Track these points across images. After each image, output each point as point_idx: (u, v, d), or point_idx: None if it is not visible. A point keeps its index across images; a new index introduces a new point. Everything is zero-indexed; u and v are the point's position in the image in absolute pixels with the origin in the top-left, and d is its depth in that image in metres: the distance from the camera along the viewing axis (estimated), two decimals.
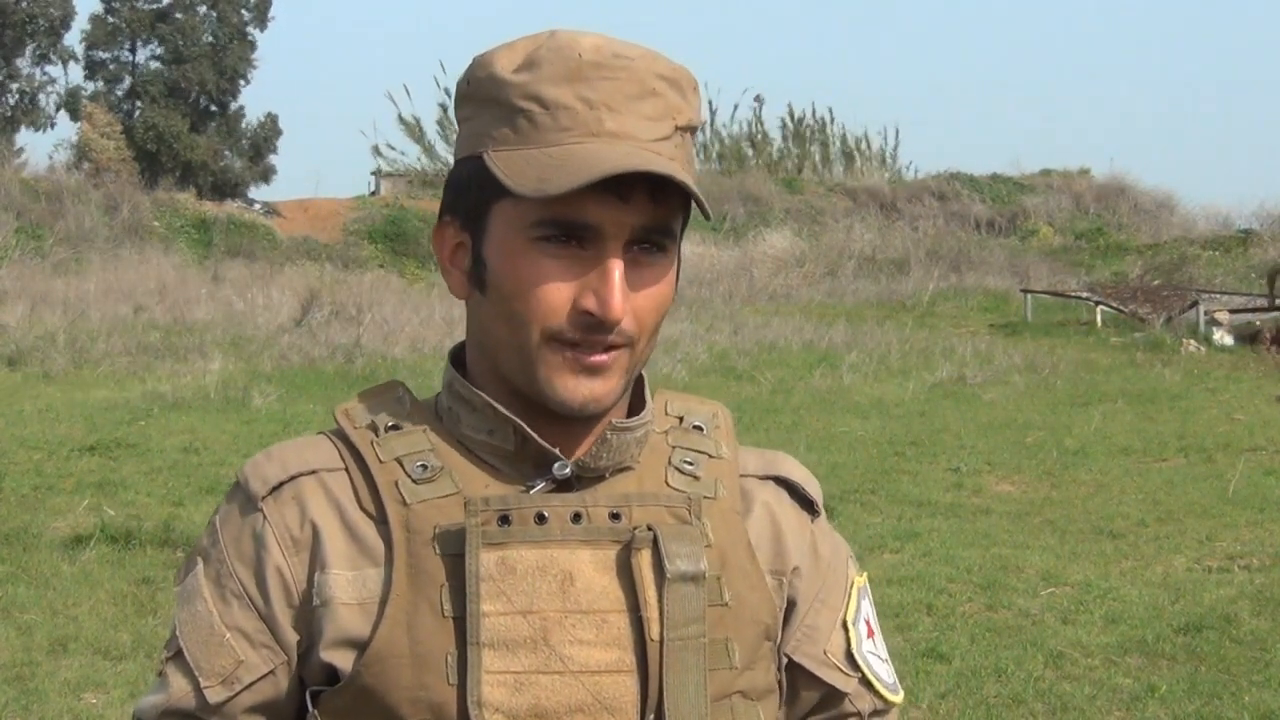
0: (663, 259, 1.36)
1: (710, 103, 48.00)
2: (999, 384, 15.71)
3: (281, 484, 1.38)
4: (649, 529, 1.34)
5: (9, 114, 44.17)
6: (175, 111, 43.94)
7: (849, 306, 23.78)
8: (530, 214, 1.31)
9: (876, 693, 1.53)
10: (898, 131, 47.57)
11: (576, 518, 1.34)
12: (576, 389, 1.34)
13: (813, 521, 1.54)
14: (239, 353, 17.28)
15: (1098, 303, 21.81)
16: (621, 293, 1.31)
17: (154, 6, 45.68)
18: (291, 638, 1.35)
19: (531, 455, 1.37)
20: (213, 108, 46.17)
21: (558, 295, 1.32)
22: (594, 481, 1.38)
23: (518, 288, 1.32)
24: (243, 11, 46.01)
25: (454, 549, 1.32)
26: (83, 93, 45.30)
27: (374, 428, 1.40)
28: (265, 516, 1.37)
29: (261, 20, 46.76)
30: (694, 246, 29.18)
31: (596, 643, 1.32)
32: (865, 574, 1.60)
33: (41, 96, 45.64)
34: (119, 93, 46.17)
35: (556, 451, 1.37)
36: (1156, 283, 24.09)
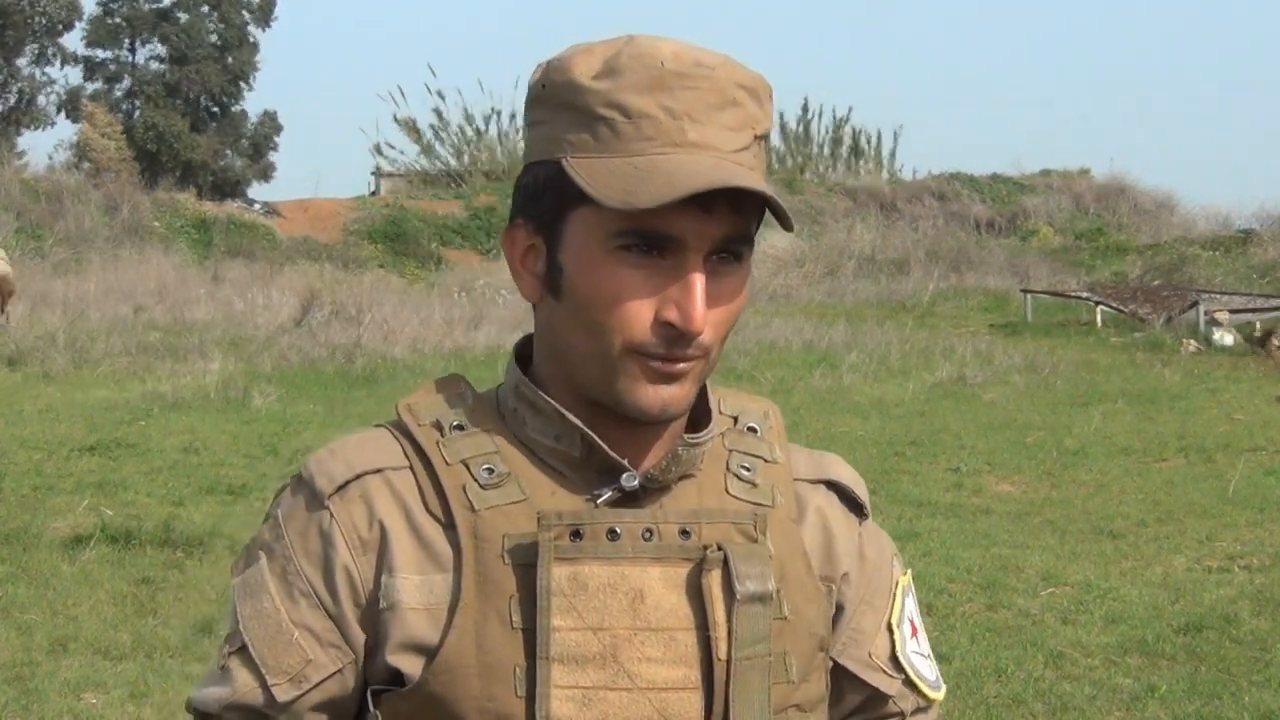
0: (739, 268, 1.36)
1: None
2: (999, 384, 15.71)
3: (348, 482, 1.37)
4: (719, 549, 1.35)
5: (9, 114, 44.16)
6: (175, 111, 43.95)
7: (849, 306, 23.77)
8: (612, 224, 1.31)
9: (920, 692, 1.55)
10: (897, 133, 47.44)
11: (648, 534, 1.35)
12: (656, 396, 1.34)
13: (860, 524, 1.55)
14: (239, 353, 17.28)
15: (1098, 303, 21.80)
16: (703, 305, 1.31)
17: (155, 6, 45.67)
18: (359, 637, 1.35)
19: (597, 463, 1.37)
20: (213, 108, 46.18)
21: (639, 307, 1.32)
22: (659, 492, 1.38)
23: (598, 297, 1.32)
24: (244, 12, 46.00)
25: (524, 560, 1.33)
26: (83, 93, 45.29)
27: (439, 426, 1.39)
28: (333, 515, 1.37)
29: (265, 20, 46.77)
30: None
31: (664, 660, 1.33)
32: (909, 571, 1.62)
33: (41, 96, 45.64)
34: (119, 93, 46.18)
35: (625, 463, 1.37)
36: (1156, 283, 24.08)
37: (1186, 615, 7.12)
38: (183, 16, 45.36)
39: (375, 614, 1.35)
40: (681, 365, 1.34)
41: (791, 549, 1.43)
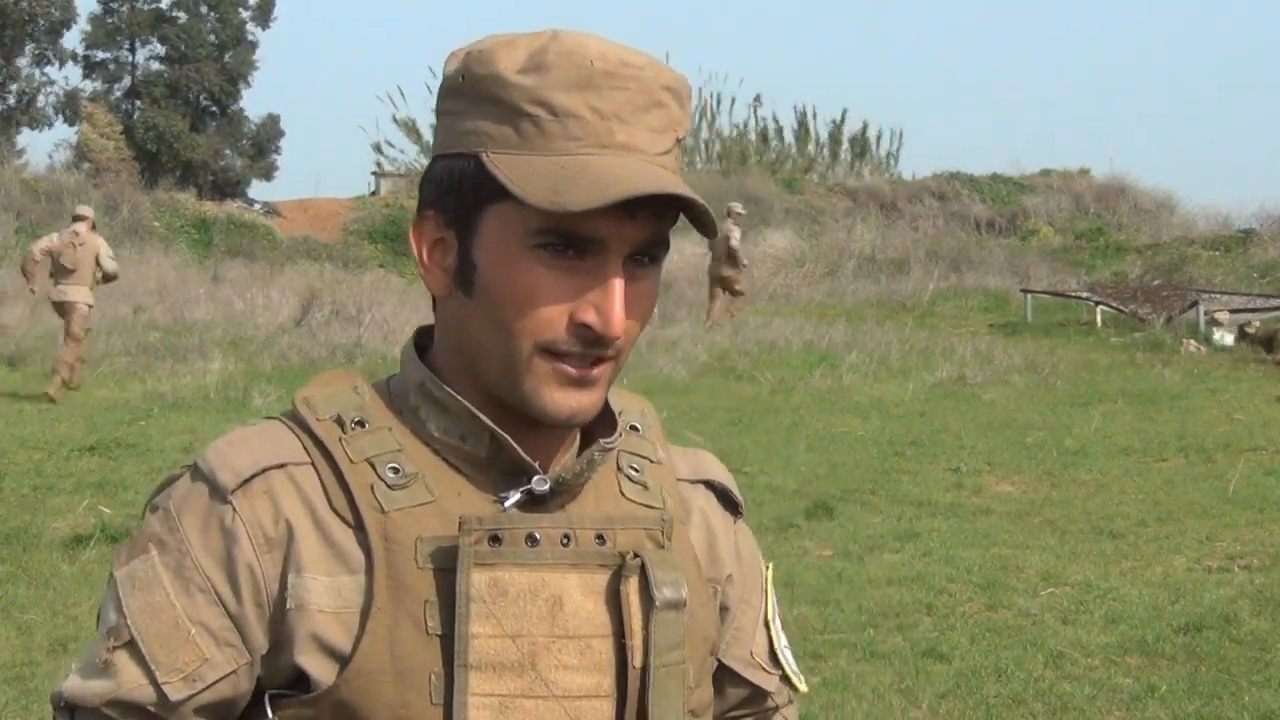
0: (655, 270, 1.35)
1: (716, 98, 48.07)
2: (999, 384, 15.71)
3: (253, 477, 1.32)
4: (636, 556, 1.34)
5: (9, 114, 44.16)
6: (175, 111, 43.95)
7: (849, 306, 23.79)
8: (532, 222, 1.28)
9: (792, 685, 1.58)
10: (901, 132, 47.52)
11: (565, 540, 1.33)
12: (565, 401, 1.31)
13: (736, 523, 1.55)
14: (239, 353, 17.29)
15: (1098, 303, 21.82)
16: (622, 308, 1.29)
17: (154, 6, 45.69)
18: (258, 639, 1.31)
19: (502, 464, 1.35)
20: (213, 108, 46.20)
21: (555, 307, 1.29)
22: (564, 496, 1.36)
23: (512, 295, 1.30)
24: (243, 12, 46.01)
25: (441, 564, 1.30)
26: (82, 93, 45.32)
27: (340, 422, 1.35)
28: (236, 510, 1.31)
29: (264, 20, 46.78)
30: (695, 246, 29.17)
31: (579, 667, 1.32)
32: (770, 564, 1.62)
33: (41, 97, 45.65)
34: (119, 93, 46.20)
35: (536, 465, 1.35)
36: (1156, 283, 24.10)
37: (1186, 615, 7.12)
38: (181, 16, 45.36)
39: (281, 614, 1.30)
40: (595, 370, 1.32)
41: (685, 556, 1.42)
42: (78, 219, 15.24)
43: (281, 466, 1.33)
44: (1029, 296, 23.08)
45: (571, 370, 1.31)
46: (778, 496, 9.98)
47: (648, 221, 1.30)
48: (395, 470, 1.33)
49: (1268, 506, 9.52)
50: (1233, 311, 20.20)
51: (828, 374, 16.14)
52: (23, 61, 44.71)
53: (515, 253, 1.30)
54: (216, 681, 1.30)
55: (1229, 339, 19.21)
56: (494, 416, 1.34)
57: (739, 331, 19.57)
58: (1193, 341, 18.81)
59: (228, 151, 45.53)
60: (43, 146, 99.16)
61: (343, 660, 1.29)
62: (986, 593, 7.58)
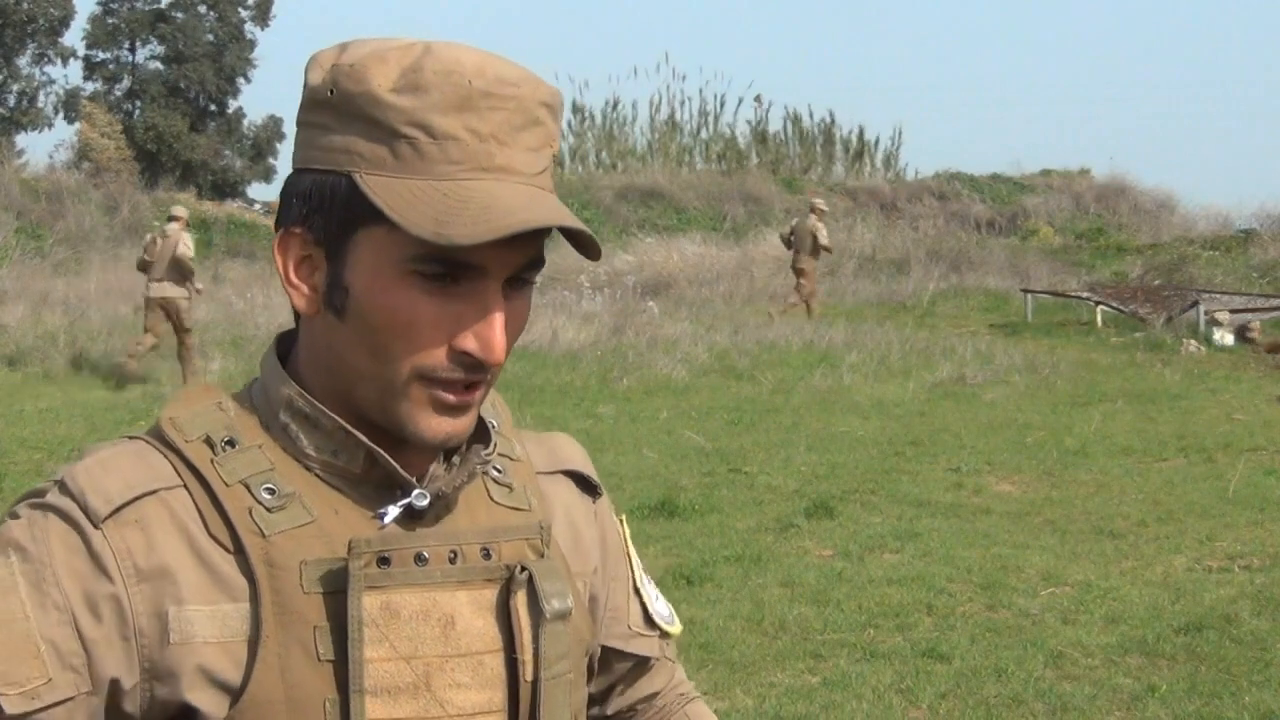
0: (529, 291, 1.33)
1: (719, 98, 48.05)
2: (999, 384, 15.71)
3: (125, 505, 1.26)
4: (523, 569, 1.32)
5: (9, 114, 44.16)
6: (175, 111, 43.95)
7: (849, 306, 23.77)
8: (409, 248, 1.24)
9: (667, 635, 1.59)
10: (901, 132, 47.56)
11: (453, 557, 1.31)
12: (440, 427, 1.29)
13: (595, 504, 1.55)
14: (239, 352, 17.29)
15: (1098, 303, 21.81)
16: (503, 335, 1.28)
17: (153, 6, 45.69)
18: (109, 673, 1.24)
19: (375, 479, 1.32)
20: (212, 107, 46.20)
21: (433, 334, 1.26)
22: (442, 508, 1.34)
23: (390, 322, 1.26)
24: (242, 11, 46.01)
25: (327, 588, 1.27)
26: (82, 93, 45.33)
27: (210, 443, 1.30)
28: (107, 539, 1.24)
29: (263, 19, 46.78)
30: (694, 246, 29.18)
31: (472, 685, 1.30)
32: (624, 515, 1.62)
33: (41, 96, 45.65)
34: (118, 93, 46.21)
35: (414, 480, 1.32)
36: (1157, 283, 24.09)
37: (1187, 615, 7.11)
38: (180, 16, 45.36)
39: (160, 650, 1.25)
40: (469, 395, 1.30)
41: (559, 559, 1.42)
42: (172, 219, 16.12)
43: (154, 493, 1.27)
44: (1029, 296, 23.08)
45: (449, 397, 1.29)
46: (778, 496, 9.98)
47: (526, 246, 1.28)
48: (271, 491, 1.29)
49: (1268, 506, 9.52)
50: (1233, 312, 20.19)
51: (828, 374, 16.14)
52: (23, 61, 44.72)
53: (391, 278, 1.26)
54: (53, 705, 1.22)
55: (1229, 339, 19.21)
56: (365, 432, 1.31)
57: (739, 331, 19.57)
58: (1193, 341, 18.80)
59: (227, 152, 45.54)
60: (42, 146, 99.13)
61: (233, 692, 1.25)
62: (987, 593, 7.58)
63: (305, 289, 1.32)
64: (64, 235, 27.66)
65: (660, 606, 1.60)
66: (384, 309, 1.26)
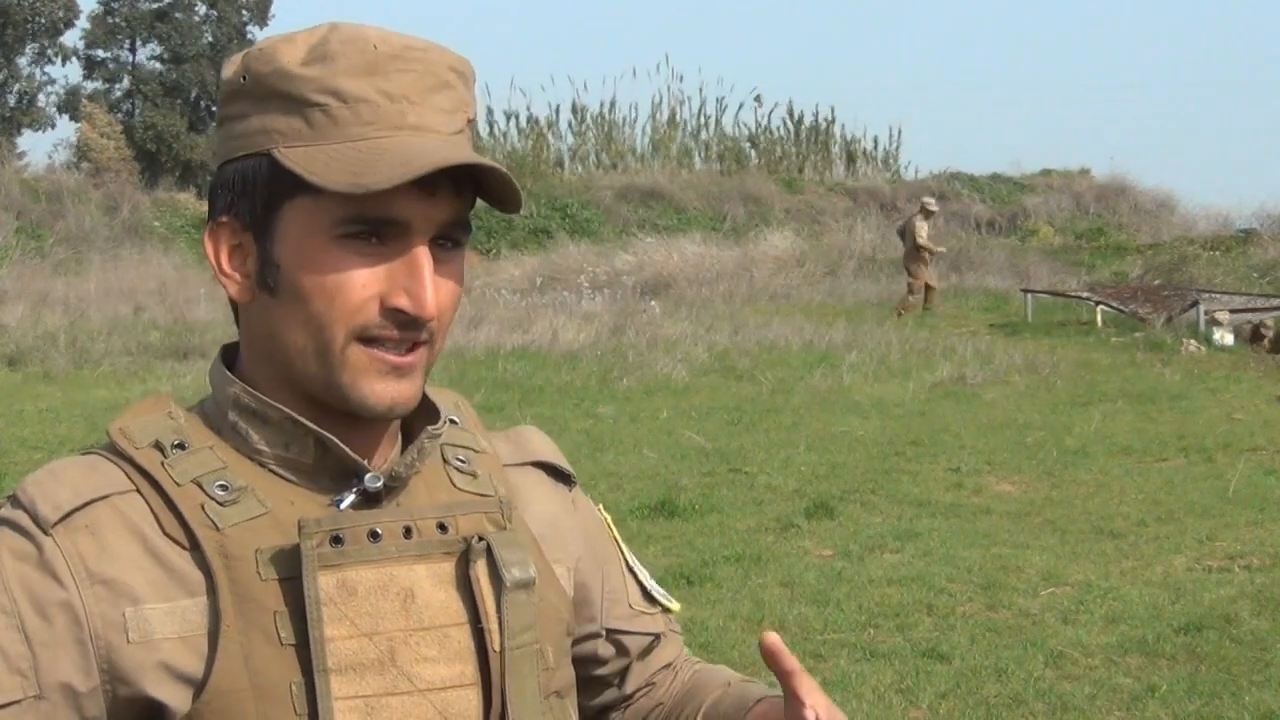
0: (459, 254, 1.34)
1: (720, 100, 48.02)
2: (999, 384, 15.71)
3: (74, 510, 1.26)
4: (481, 539, 1.33)
5: (9, 114, 44.17)
6: (174, 111, 43.96)
7: (849, 306, 23.76)
8: (334, 211, 1.27)
9: (668, 611, 1.63)
10: (900, 132, 47.54)
11: (407, 532, 1.31)
12: (385, 392, 1.30)
13: (571, 493, 1.56)
14: None
15: (1098, 303, 21.81)
16: (433, 288, 1.28)
17: (154, 6, 45.70)
18: (59, 677, 1.24)
19: (330, 468, 1.33)
20: (212, 107, 46.20)
21: (365, 292, 1.28)
22: (396, 491, 1.35)
23: (320, 288, 1.28)
24: (243, 11, 46.02)
25: (285, 573, 1.27)
26: (82, 92, 45.32)
27: (159, 447, 1.31)
28: (58, 545, 1.25)
29: (262, 18, 46.79)
30: (694, 246, 29.17)
31: (440, 659, 1.30)
32: (601, 505, 1.63)
33: (41, 96, 45.65)
34: (118, 92, 46.22)
35: (366, 464, 1.33)
36: (1157, 283, 24.08)
37: (1187, 615, 7.12)
38: (179, 16, 45.37)
39: (116, 648, 1.24)
40: (410, 357, 1.30)
41: (525, 536, 1.42)
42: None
43: (105, 498, 1.28)
44: (1029, 296, 23.07)
45: (390, 357, 1.30)
46: (778, 496, 9.98)
47: (448, 201, 1.29)
48: (224, 487, 1.29)
49: (1268, 506, 9.52)
50: (1233, 311, 20.18)
51: (828, 374, 16.14)
52: (23, 61, 44.73)
53: (319, 245, 1.28)
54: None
55: (1229, 339, 19.20)
56: (314, 419, 1.32)
57: (739, 331, 19.56)
58: (1193, 341, 18.79)
59: None
60: (42, 146, 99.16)
61: (196, 685, 1.25)
62: (986, 593, 7.58)
63: (238, 277, 1.34)
64: (64, 235, 27.65)
65: (655, 586, 1.62)
66: (314, 276, 1.28)
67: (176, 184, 36.99)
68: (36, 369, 16.23)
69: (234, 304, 1.38)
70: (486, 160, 1.27)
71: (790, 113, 41.14)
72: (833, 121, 41.26)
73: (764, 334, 19.28)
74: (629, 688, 1.62)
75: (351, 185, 1.23)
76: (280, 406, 1.32)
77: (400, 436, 1.41)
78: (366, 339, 1.29)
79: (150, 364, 16.36)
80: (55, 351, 16.84)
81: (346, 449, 1.32)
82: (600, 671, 1.59)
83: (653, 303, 22.69)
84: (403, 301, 1.28)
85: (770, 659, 1.37)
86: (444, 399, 1.46)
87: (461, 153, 1.27)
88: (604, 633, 1.55)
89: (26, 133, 45.17)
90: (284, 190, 1.29)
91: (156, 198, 31.56)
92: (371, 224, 1.27)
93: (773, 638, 1.37)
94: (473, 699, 1.31)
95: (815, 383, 15.65)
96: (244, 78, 1.31)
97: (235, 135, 1.33)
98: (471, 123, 1.35)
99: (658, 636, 1.61)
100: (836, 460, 11.24)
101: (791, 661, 1.36)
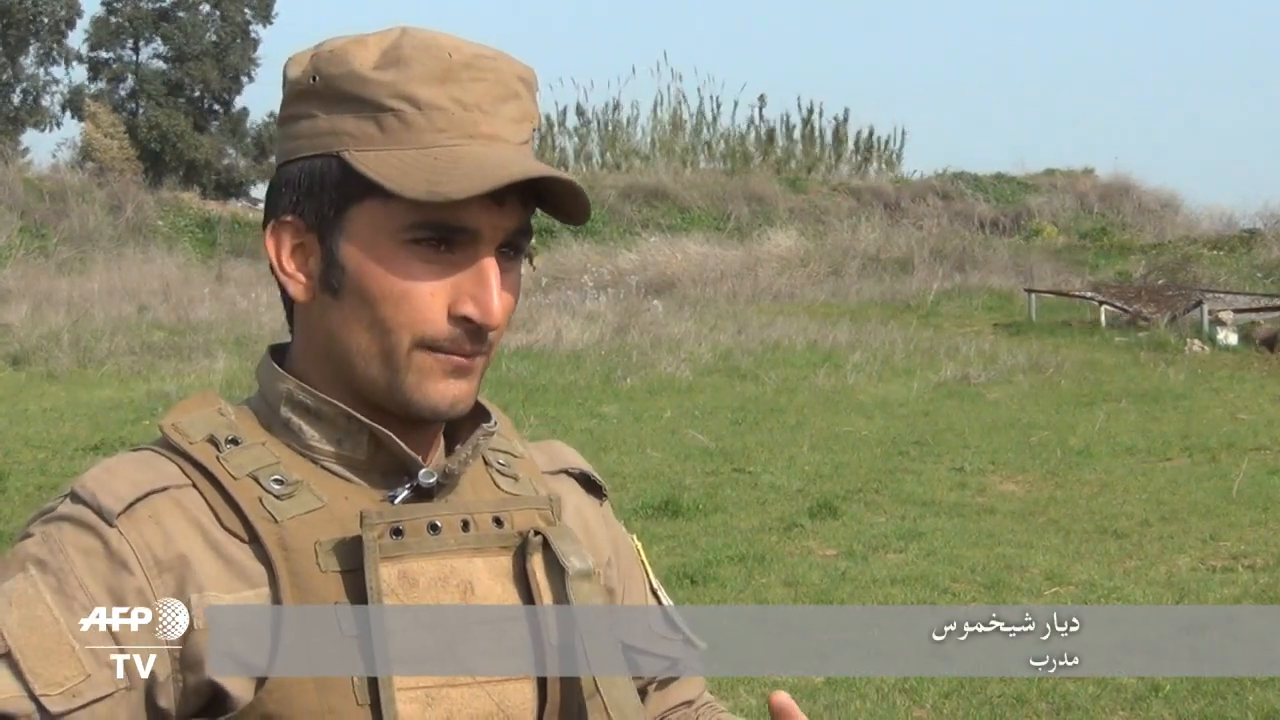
0: (519, 261, 1.35)
1: (716, 99, 48.01)
2: (1003, 383, 15.70)
3: (136, 501, 1.27)
4: (537, 533, 1.34)
5: (13, 114, 44.19)
6: (178, 110, 43.98)
7: (853, 306, 23.75)
8: (404, 216, 1.27)
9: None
10: (905, 131, 47.46)
11: (465, 526, 1.33)
12: (446, 391, 1.31)
13: (601, 505, 1.57)
14: (243, 352, 17.28)
15: (1102, 302, 21.79)
16: (499, 298, 1.30)
17: (157, 5, 45.70)
18: (144, 665, 1.25)
19: (382, 464, 1.34)
20: (215, 107, 46.22)
21: (432, 301, 1.29)
22: (447, 489, 1.36)
23: (387, 292, 1.29)
24: (246, 9, 46.01)
25: (344, 565, 1.28)
26: (86, 92, 45.34)
27: (214, 442, 1.32)
28: (124, 535, 1.26)
29: (265, 17, 46.78)
30: (698, 246, 29.16)
31: (498, 651, 1.31)
32: (635, 535, 1.65)
33: (45, 96, 45.68)
34: (122, 92, 46.23)
35: (419, 459, 1.34)
36: (1161, 282, 24.06)
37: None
38: (183, 15, 45.38)
39: (186, 637, 1.26)
40: (474, 361, 1.32)
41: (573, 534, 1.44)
42: None
43: (164, 490, 1.29)
44: (1033, 296, 23.05)
45: (454, 359, 1.31)
46: (782, 496, 9.98)
47: (515, 210, 1.30)
48: (279, 481, 1.30)
49: (1271, 506, 9.52)
50: (1237, 311, 20.17)
51: (832, 374, 16.13)
52: (27, 60, 44.76)
53: (387, 249, 1.29)
54: (95, 701, 1.23)
55: (1233, 339, 19.19)
56: (366, 417, 1.33)
57: (743, 331, 19.56)
58: (1197, 341, 18.78)
59: (231, 151, 45.55)
60: (46, 145, 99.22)
61: (260, 675, 1.26)
62: (990, 592, 7.57)
63: (300, 276, 1.34)
64: (68, 235, 27.65)
65: (681, 619, 1.61)
66: (381, 281, 1.29)
67: (180, 183, 36.97)
68: (40, 368, 16.24)
69: (288, 303, 1.38)
70: (564, 174, 1.29)
71: (804, 113, 41.08)
72: (845, 120, 41.22)
73: (768, 333, 19.27)
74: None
75: (428, 194, 1.25)
76: (335, 402, 1.33)
77: (442, 443, 1.41)
78: (432, 347, 1.30)
79: (154, 364, 16.35)
80: (59, 351, 16.84)
81: (401, 444, 1.33)
82: None
83: (656, 302, 22.68)
84: (470, 310, 1.29)
85: (779, 718, 1.38)
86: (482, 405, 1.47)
87: (536, 165, 1.28)
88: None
89: (30, 132, 45.22)
90: (353, 193, 1.29)
91: (160, 197, 31.54)
92: (441, 231, 1.28)
93: (782, 696, 1.38)
94: (529, 692, 1.33)
95: (819, 382, 15.64)
96: (314, 79, 1.32)
97: (301, 135, 1.33)
98: (535, 131, 1.36)
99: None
100: (840, 460, 11.24)
101: None
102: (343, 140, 1.30)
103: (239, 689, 1.26)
